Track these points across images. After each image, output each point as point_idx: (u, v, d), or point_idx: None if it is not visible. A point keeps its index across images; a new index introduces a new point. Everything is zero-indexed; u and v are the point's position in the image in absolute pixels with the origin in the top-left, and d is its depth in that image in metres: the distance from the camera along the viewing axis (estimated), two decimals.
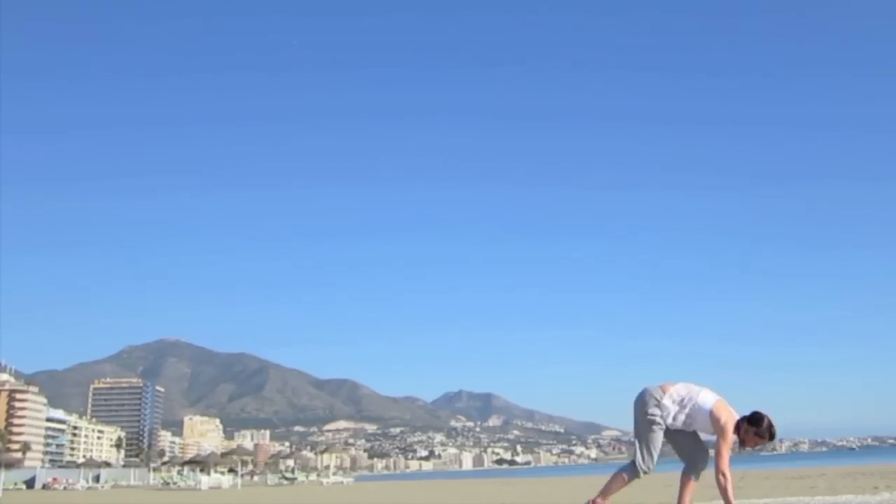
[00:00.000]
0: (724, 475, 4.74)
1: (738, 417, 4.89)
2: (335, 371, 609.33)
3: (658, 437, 5.04)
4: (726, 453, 4.78)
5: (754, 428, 4.82)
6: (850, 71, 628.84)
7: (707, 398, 4.95)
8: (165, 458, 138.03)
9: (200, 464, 67.38)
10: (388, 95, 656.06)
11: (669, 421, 5.02)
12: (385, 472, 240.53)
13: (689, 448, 5.15)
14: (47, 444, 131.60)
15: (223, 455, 79.10)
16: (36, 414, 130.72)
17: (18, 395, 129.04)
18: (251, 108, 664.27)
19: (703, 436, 5.11)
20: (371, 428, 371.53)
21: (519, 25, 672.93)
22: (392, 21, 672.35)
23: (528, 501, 18.91)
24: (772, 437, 4.87)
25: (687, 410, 4.97)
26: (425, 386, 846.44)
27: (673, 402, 5.01)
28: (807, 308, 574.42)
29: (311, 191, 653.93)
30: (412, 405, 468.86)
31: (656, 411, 5.02)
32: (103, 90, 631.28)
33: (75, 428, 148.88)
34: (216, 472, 62.35)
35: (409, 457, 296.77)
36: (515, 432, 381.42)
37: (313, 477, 75.04)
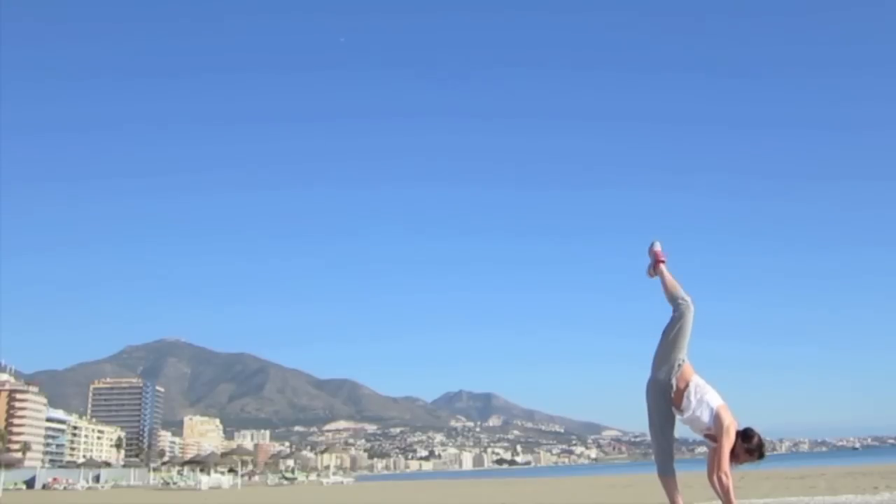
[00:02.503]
0: (726, 475, 4.72)
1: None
2: (335, 371, 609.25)
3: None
4: (728, 455, 4.76)
5: (746, 444, 4.81)
6: (849, 71, 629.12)
7: (714, 398, 4.93)
8: (165, 458, 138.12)
9: (200, 464, 67.49)
10: (388, 95, 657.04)
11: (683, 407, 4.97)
12: (385, 472, 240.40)
13: (672, 441, 5.11)
14: (47, 444, 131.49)
15: (223, 455, 79.28)
16: (36, 414, 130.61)
17: (18, 395, 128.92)
18: (251, 108, 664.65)
19: (681, 430, 5.08)
20: (371, 428, 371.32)
21: (518, 26, 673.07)
22: (387, 22, 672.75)
23: (528, 501, 18.92)
24: (761, 455, 4.86)
25: (693, 404, 4.93)
26: (425, 386, 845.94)
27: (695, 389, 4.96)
28: (807, 308, 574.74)
29: (310, 190, 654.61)
30: (412, 405, 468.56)
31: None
32: (104, 90, 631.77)
33: (75, 428, 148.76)
34: (216, 472, 62.42)
35: (409, 457, 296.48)
36: (515, 432, 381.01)
37: (313, 477, 75.19)
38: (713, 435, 4.86)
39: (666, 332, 5.13)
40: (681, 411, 4.94)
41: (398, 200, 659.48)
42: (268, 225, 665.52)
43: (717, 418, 4.82)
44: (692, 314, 5.10)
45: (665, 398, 4.99)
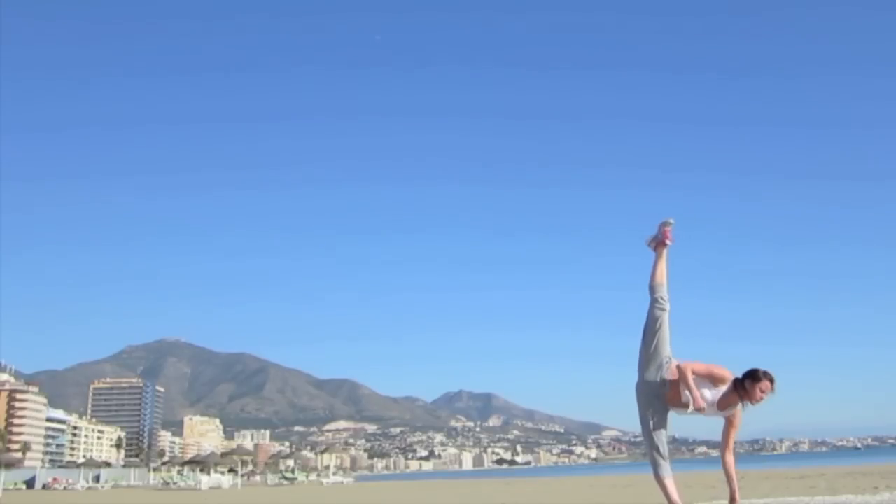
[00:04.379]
0: (684, 370, 4.64)
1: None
2: (335, 371, 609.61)
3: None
4: (693, 373, 4.67)
5: (751, 380, 4.69)
6: (849, 69, 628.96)
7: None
8: (165, 458, 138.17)
9: (200, 464, 67.48)
10: (386, 95, 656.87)
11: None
12: (385, 472, 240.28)
13: (666, 442, 5.03)
14: (47, 444, 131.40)
15: (223, 455, 79.32)
16: (36, 414, 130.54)
17: (18, 395, 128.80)
18: (249, 107, 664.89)
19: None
20: (371, 428, 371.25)
21: (518, 24, 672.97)
22: (384, 20, 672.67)
23: (528, 501, 18.92)
24: (771, 381, 4.72)
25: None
26: (425, 386, 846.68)
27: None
28: (806, 307, 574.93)
29: (310, 190, 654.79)
30: (412, 405, 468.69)
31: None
32: (104, 88, 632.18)
33: (75, 428, 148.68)
34: (216, 472, 62.39)
35: (409, 457, 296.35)
36: (515, 432, 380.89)
37: (313, 477, 75.07)
38: (725, 403, 4.75)
39: (647, 333, 5.05)
40: (684, 405, 4.83)
41: (398, 200, 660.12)
42: (268, 225, 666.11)
43: (671, 371, 4.77)
44: (667, 316, 5.04)
45: (658, 399, 4.91)
